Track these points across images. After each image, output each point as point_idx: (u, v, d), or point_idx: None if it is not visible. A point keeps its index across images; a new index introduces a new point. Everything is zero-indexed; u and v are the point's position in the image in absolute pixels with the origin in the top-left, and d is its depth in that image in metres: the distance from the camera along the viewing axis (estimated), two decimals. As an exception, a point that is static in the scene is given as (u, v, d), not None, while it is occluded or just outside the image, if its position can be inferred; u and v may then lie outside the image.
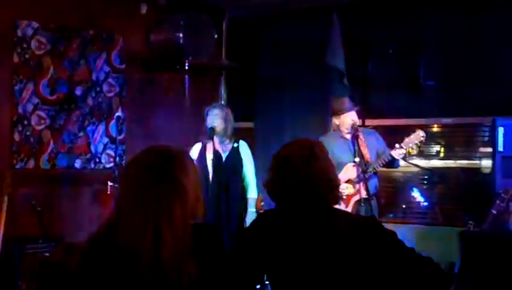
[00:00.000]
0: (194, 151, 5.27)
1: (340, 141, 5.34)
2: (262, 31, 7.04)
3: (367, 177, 5.05)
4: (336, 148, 5.26)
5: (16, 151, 5.55)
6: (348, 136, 5.27)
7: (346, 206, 5.14)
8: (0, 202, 4.83)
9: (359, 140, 5.16)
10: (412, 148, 5.20)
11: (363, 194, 5.11)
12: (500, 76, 5.77)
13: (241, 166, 5.32)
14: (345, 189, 5.14)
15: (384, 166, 5.26)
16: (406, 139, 5.11)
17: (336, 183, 2.60)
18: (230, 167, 5.27)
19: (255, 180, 5.41)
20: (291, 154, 2.56)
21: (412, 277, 2.41)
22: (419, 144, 5.17)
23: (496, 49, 5.81)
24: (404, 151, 5.11)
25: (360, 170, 5.08)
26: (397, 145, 5.10)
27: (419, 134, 5.10)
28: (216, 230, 2.24)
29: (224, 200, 5.19)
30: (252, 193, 5.40)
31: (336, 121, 5.41)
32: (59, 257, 4.85)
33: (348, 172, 5.20)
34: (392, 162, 5.22)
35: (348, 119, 5.27)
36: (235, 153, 5.31)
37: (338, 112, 5.37)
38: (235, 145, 5.33)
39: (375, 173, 5.29)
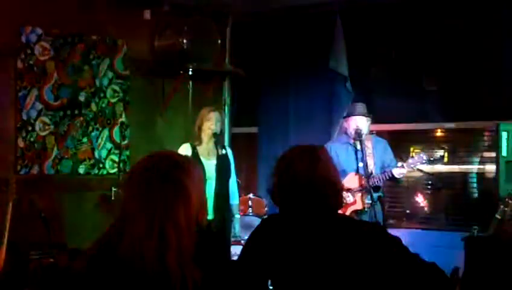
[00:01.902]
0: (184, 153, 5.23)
1: (347, 148, 5.35)
2: (265, 36, 7.05)
3: (371, 185, 5.05)
4: (341, 154, 5.29)
5: (20, 157, 5.56)
6: (356, 143, 5.27)
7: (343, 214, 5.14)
8: (5, 208, 4.84)
9: (365, 148, 5.17)
10: (414, 169, 5.27)
11: (361, 205, 5.16)
12: (503, 81, 5.77)
13: (231, 171, 5.34)
14: (345, 197, 5.15)
15: (386, 180, 5.28)
16: (409, 161, 5.15)
17: (339, 188, 2.60)
18: (227, 172, 5.29)
19: (236, 186, 5.47)
20: (294, 159, 2.56)
21: (416, 282, 2.41)
22: (421, 166, 5.23)
23: (499, 53, 5.81)
24: (405, 171, 5.15)
25: (363, 179, 5.09)
26: (399, 164, 5.14)
27: (423, 157, 5.12)
28: (219, 237, 2.24)
29: (225, 205, 5.20)
30: (236, 199, 5.46)
31: (344, 123, 5.46)
32: (64, 263, 4.86)
33: (349, 181, 5.21)
34: (394, 178, 5.24)
35: (353, 123, 5.28)
36: (226, 158, 5.30)
37: (347, 115, 5.41)
38: (224, 151, 5.32)
39: (378, 188, 5.29)
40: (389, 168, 5.20)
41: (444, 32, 6.15)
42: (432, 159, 5.23)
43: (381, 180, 5.18)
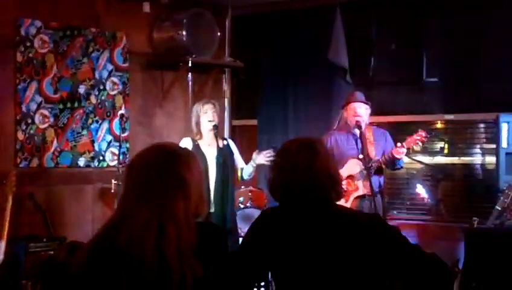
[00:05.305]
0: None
1: (348, 136, 5.32)
2: (265, 28, 7.03)
3: (370, 173, 5.03)
4: (342, 142, 5.27)
5: (20, 150, 5.56)
6: (356, 132, 5.23)
7: (346, 202, 5.11)
8: (5, 201, 4.84)
9: (365, 137, 5.14)
10: (413, 148, 5.19)
11: (363, 191, 5.12)
12: (503, 72, 5.75)
13: (233, 162, 5.32)
14: (345, 185, 5.11)
15: (386, 166, 5.23)
16: (408, 139, 5.08)
17: (337, 179, 2.59)
18: (228, 163, 5.28)
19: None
20: (291, 152, 2.56)
21: (416, 273, 2.41)
22: (421, 144, 5.15)
23: (499, 45, 5.79)
24: (405, 150, 5.08)
25: (363, 166, 5.07)
26: (399, 144, 5.08)
27: (422, 134, 5.07)
28: (219, 230, 2.24)
29: (225, 197, 5.19)
30: (247, 175, 5.34)
31: (344, 112, 5.43)
32: (63, 256, 4.86)
33: (349, 167, 5.18)
34: (394, 162, 5.18)
35: (352, 111, 5.25)
36: (228, 150, 5.28)
37: (346, 103, 5.39)
38: (225, 142, 5.30)
39: (380, 171, 5.27)
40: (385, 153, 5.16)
41: (444, 23, 6.13)
42: (430, 134, 5.18)
43: (382, 162, 5.13)
